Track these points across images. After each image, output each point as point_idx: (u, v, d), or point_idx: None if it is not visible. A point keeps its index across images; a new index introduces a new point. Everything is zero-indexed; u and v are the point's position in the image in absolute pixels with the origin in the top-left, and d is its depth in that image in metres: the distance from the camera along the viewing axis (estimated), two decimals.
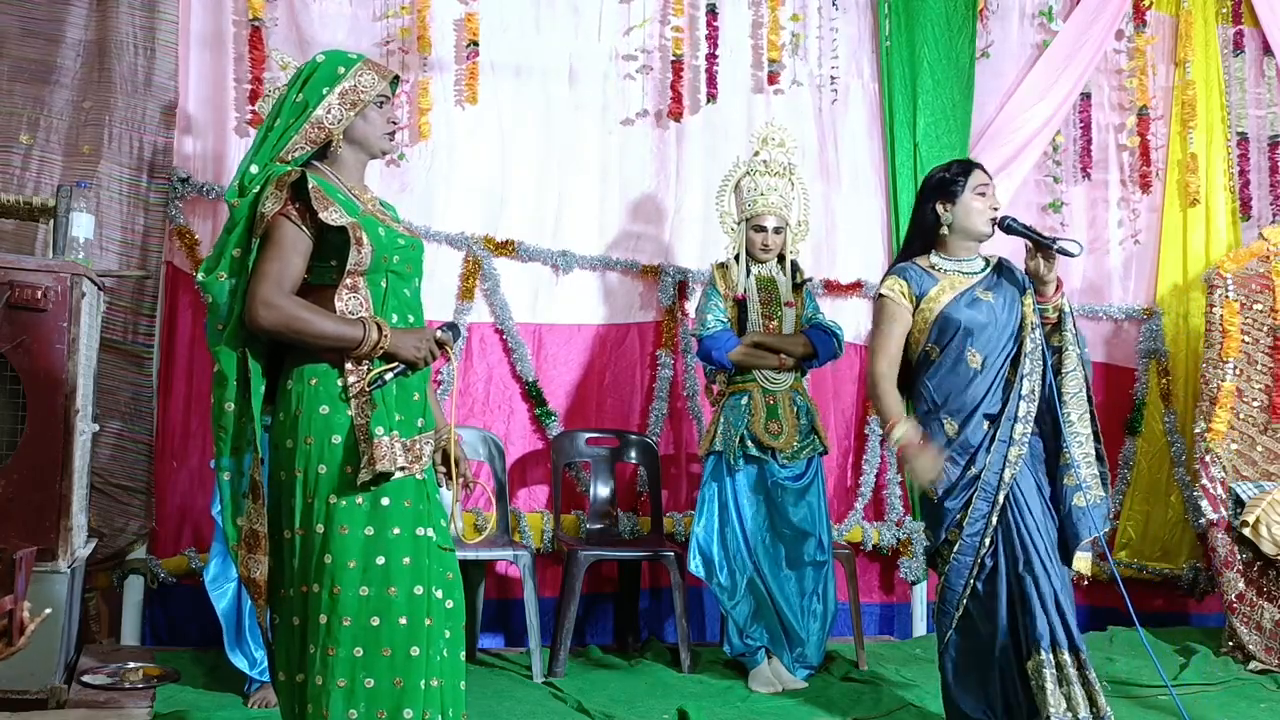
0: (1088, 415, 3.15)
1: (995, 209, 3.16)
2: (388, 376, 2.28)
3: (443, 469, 2.45)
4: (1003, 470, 3.05)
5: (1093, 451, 3.14)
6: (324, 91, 2.31)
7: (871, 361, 3.19)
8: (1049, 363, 3.12)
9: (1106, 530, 2.99)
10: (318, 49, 4.31)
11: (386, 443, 2.23)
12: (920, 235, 3.22)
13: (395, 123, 2.46)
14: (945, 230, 3.17)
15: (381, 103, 2.39)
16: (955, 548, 3.09)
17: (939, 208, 3.16)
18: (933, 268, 3.18)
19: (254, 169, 2.29)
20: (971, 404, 3.08)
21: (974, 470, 3.07)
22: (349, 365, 2.26)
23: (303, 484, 2.25)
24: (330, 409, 2.26)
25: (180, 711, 3.32)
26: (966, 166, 3.20)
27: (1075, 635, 3.02)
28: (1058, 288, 3.14)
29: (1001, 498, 3.05)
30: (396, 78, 2.44)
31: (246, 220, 2.27)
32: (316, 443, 2.25)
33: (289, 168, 2.27)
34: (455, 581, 2.36)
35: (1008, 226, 3.12)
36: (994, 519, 3.05)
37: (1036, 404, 3.09)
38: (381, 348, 2.26)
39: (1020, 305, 3.14)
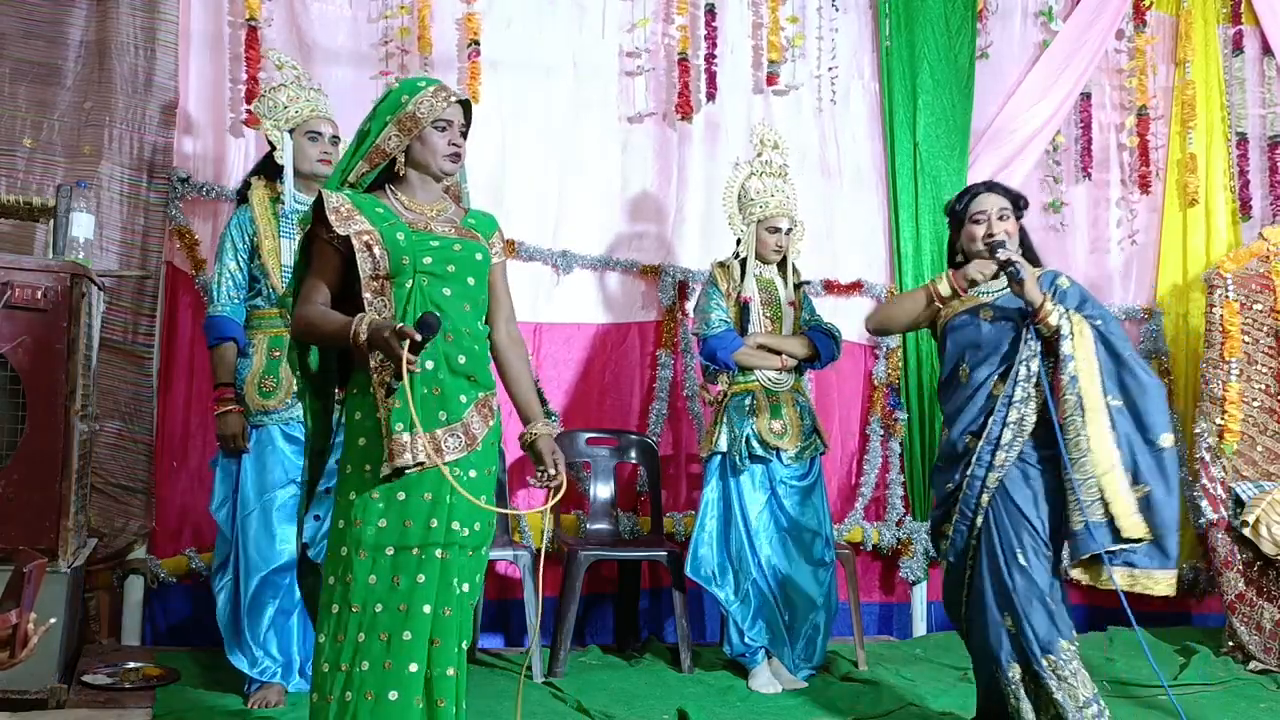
0: (1085, 436, 2.91)
1: (991, 235, 3.14)
2: (387, 378, 2.32)
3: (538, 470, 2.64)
4: (979, 492, 3.05)
5: (1097, 471, 2.90)
6: (386, 119, 2.46)
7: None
8: (1047, 387, 2.99)
9: (1112, 546, 2.87)
10: (318, 50, 4.37)
11: (403, 440, 2.31)
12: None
13: (457, 145, 2.52)
14: (960, 256, 3.30)
15: (443, 127, 2.48)
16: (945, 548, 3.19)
17: (953, 234, 3.33)
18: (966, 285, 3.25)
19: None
20: (956, 416, 3.14)
21: (951, 485, 3.12)
22: (373, 363, 2.34)
23: (340, 482, 2.43)
24: (362, 414, 2.39)
25: (180, 711, 3.32)
26: (973, 192, 3.26)
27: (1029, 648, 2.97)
28: (1043, 308, 2.99)
29: (979, 520, 3.06)
30: (467, 102, 2.54)
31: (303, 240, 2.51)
32: (349, 443, 2.41)
33: (340, 191, 2.44)
34: (472, 563, 2.44)
35: (996, 256, 3.10)
36: (972, 539, 3.09)
37: (1025, 432, 3.01)
38: (358, 344, 2.29)
39: (1018, 328, 3.07)
